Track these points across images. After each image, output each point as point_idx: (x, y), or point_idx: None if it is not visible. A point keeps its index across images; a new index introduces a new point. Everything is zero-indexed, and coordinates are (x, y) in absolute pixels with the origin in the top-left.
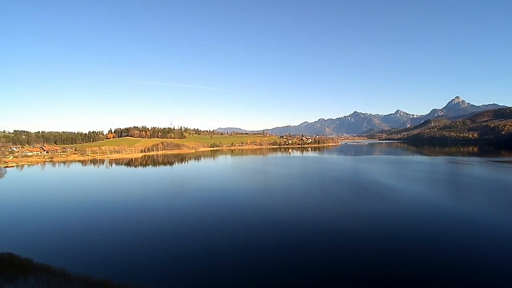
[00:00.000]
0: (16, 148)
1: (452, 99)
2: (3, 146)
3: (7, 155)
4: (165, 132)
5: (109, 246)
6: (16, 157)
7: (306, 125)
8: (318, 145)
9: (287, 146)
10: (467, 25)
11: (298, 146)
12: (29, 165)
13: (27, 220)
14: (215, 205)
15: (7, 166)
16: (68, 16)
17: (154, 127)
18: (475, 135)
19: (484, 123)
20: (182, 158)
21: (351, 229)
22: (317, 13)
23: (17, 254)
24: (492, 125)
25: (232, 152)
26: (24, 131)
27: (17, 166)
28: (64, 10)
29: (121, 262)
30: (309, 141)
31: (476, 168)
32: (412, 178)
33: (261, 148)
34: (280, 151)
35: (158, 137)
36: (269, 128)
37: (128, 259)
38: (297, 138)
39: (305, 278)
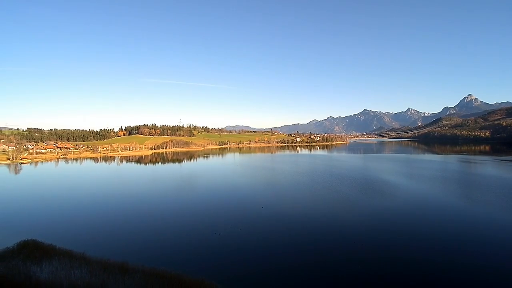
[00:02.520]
0: (30, 145)
1: (465, 97)
2: (17, 143)
3: (22, 152)
4: (174, 130)
5: (125, 233)
6: (31, 154)
7: (315, 123)
8: (326, 143)
9: (295, 144)
10: (480, 23)
11: (306, 144)
12: (43, 161)
13: (48, 210)
14: (224, 200)
15: (22, 163)
16: (78, 14)
17: (164, 125)
18: (487, 133)
19: (496, 122)
20: (191, 156)
21: (356, 227)
22: (327, 11)
23: (41, 241)
24: (505, 123)
25: (240, 150)
26: (38, 129)
27: (32, 162)
28: (74, 8)
29: (136, 247)
30: (317, 139)
31: (487, 167)
32: (421, 176)
33: (269, 146)
34: (288, 149)
35: (167, 135)
36: (277, 126)
37: (143, 244)
38: (305, 136)
39: (307, 271)
